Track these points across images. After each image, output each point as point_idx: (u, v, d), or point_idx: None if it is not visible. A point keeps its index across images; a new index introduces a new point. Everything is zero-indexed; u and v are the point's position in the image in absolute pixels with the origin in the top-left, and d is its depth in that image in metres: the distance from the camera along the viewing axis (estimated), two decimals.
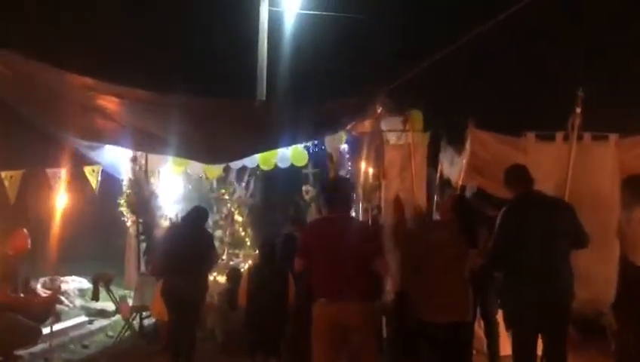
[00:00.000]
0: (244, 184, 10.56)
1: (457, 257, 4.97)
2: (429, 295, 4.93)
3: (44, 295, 7.19)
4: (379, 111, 6.51)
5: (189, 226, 6.46)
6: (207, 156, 6.72)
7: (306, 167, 10.13)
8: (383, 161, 6.40)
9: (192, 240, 6.29)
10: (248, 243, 10.25)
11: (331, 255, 4.55)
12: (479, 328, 6.33)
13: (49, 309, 6.93)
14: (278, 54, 13.41)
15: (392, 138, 6.84)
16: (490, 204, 6.13)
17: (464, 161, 6.17)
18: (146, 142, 6.43)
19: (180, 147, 6.33)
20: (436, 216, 6.08)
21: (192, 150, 6.54)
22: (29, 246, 6.84)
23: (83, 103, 5.60)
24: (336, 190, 4.90)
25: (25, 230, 6.82)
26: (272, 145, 6.93)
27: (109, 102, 5.58)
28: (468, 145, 6.06)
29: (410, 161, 6.10)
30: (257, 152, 7.47)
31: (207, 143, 6.28)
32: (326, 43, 14.76)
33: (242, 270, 8.94)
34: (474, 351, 5.84)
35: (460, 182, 6.30)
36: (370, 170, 8.03)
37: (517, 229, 4.68)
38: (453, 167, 6.78)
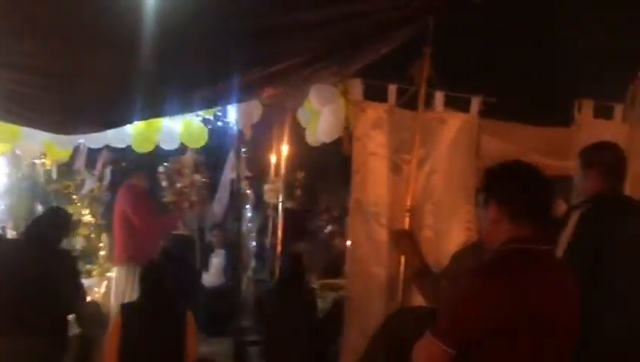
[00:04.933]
0: (96, 173, 7.71)
1: None
2: None
3: None
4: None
5: (32, 245, 3.85)
6: (64, 118, 3.62)
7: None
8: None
9: (37, 270, 3.81)
10: (102, 254, 7.55)
11: (547, 335, 2.13)
12: None
13: None
14: None
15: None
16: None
17: None
18: None
19: (18, 100, 3.34)
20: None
21: (41, 104, 3.44)
22: None
23: None
24: (543, 187, 2.26)
25: None
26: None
27: None
28: None
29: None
30: (156, 113, 4.22)
31: (63, 86, 3.27)
32: None
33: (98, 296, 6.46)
34: None
35: None
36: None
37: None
38: None
